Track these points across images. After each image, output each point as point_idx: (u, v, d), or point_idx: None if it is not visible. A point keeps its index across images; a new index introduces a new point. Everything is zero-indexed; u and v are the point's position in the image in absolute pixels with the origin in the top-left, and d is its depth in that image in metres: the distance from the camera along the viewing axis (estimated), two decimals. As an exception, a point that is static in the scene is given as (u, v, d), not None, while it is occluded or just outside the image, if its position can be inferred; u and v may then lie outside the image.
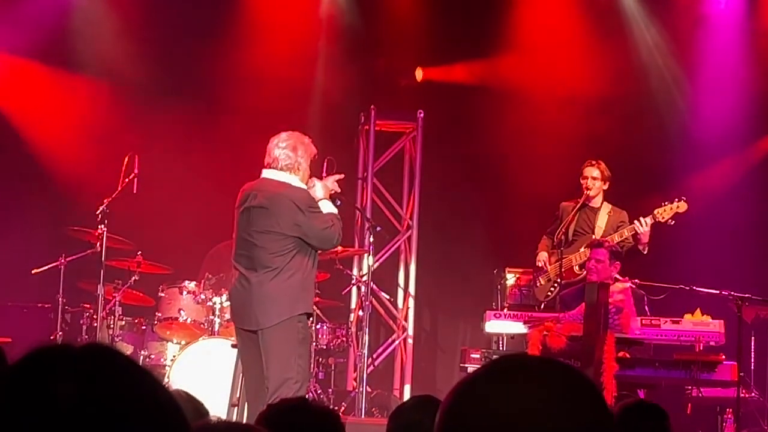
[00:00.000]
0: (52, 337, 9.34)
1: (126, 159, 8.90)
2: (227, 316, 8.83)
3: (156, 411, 1.23)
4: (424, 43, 11.18)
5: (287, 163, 6.86)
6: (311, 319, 7.09)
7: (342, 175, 7.18)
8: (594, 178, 8.86)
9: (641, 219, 8.61)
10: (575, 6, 11.11)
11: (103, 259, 8.69)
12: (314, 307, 7.11)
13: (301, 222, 6.71)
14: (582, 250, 8.76)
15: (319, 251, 6.95)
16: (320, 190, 6.97)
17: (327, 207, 6.90)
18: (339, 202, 7.18)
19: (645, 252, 8.66)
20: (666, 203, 8.64)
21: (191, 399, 3.31)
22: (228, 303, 8.71)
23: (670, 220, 8.61)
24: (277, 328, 6.69)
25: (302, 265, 6.78)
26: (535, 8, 11.14)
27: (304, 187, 6.89)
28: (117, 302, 9.06)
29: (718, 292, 8.25)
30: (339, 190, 7.12)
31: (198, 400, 3.37)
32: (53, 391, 1.18)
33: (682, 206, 8.63)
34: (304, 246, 6.78)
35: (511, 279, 9.78)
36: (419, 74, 11.21)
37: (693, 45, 11.01)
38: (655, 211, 8.64)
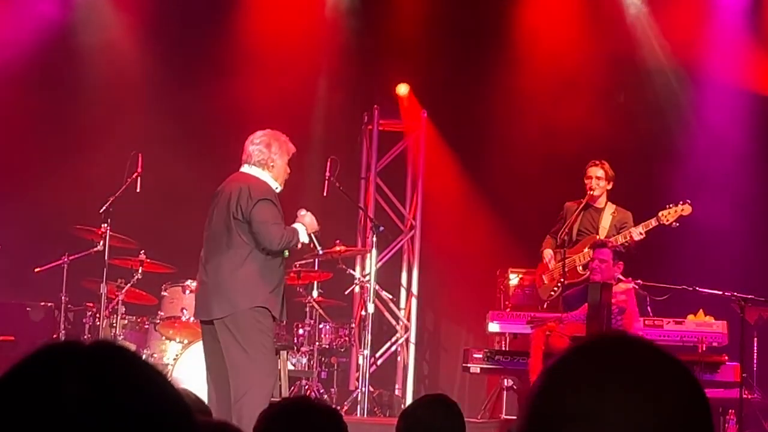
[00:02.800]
0: (54, 336, 9.34)
1: (130, 157, 8.90)
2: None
3: (166, 410, 1.22)
4: (425, 44, 11.17)
5: (260, 158, 6.88)
6: (275, 320, 6.86)
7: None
8: (598, 178, 8.85)
9: (633, 229, 8.61)
10: (578, 6, 11.09)
11: (106, 257, 8.69)
12: (281, 308, 6.89)
13: (247, 207, 6.67)
14: (585, 250, 8.75)
15: (263, 248, 6.75)
16: (308, 218, 6.96)
17: (299, 228, 6.87)
18: (321, 251, 7.22)
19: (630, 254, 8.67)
20: (670, 206, 8.64)
21: (194, 398, 3.32)
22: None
23: (674, 223, 8.61)
24: (232, 319, 6.62)
25: (260, 257, 6.71)
26: (537, 9, 11.13)
27: (271, 182, 6.87)
28: (120, 301, 9.06)
29: (721, 292, 8.24)
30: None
31: (201, 399, 3.37)
32: (62, 389, 1.17)
33: (686, 209, 8.63)
34: None
35: (514, 279, 9.79)
36: (402, 89, 11.17)
37: (697, 45, 11.00)
38: (660, 214, 8.63)
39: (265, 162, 6.88)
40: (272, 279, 6.78)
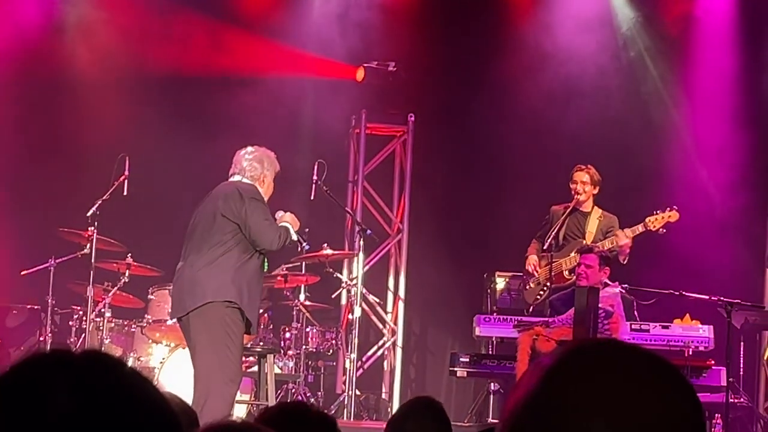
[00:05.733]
0: (41, 339, 9.32)
1: (117, 160, 8.88)
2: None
3: (155, 422, 1.22)
4: (413, 47, 11.17)
5: (253, 174, 6.98)
6: (248, 332, 6.88)
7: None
8: (584, 182, 8.88)
9: (619, 232, 8.62)
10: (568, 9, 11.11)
11: (93, 260, 8.68)
12: (255, 315, 6.91)
13: (238, 207, 6.72)
14: (572, 255, 8.77)
15: (263, 249, 6.82)
16: (288, 216, 7.01)
17: (288, 227, 6.93)
18: (307, 246, 7.22)
19: (624, 263, 8.67)
20: (657, 212, 8.67)
21: (180, 403, 3.31)
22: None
23: (661, 229, 8.64)
24: (200, 312, 6.61)
25: (238, 257, 6.73)
26: (527, 15, 11.15)
27: (255, 185, 6.93)
28: (106, 304, 9.03)
29: (707, 297, 8.26)
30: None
31: (187, 404, 3.37)
32: (51, 401, 1.16)
33: (673, 215, 8.66)
34: (244, 241, 6.75)
35: (501, 283, 9.80)
36: (359, 74, 11.18)
37: (685, 50, 11.04)
38: (647, 220, 8.66)
39: (258, 177, 6.99)
40: (244, 279, 6.75)
